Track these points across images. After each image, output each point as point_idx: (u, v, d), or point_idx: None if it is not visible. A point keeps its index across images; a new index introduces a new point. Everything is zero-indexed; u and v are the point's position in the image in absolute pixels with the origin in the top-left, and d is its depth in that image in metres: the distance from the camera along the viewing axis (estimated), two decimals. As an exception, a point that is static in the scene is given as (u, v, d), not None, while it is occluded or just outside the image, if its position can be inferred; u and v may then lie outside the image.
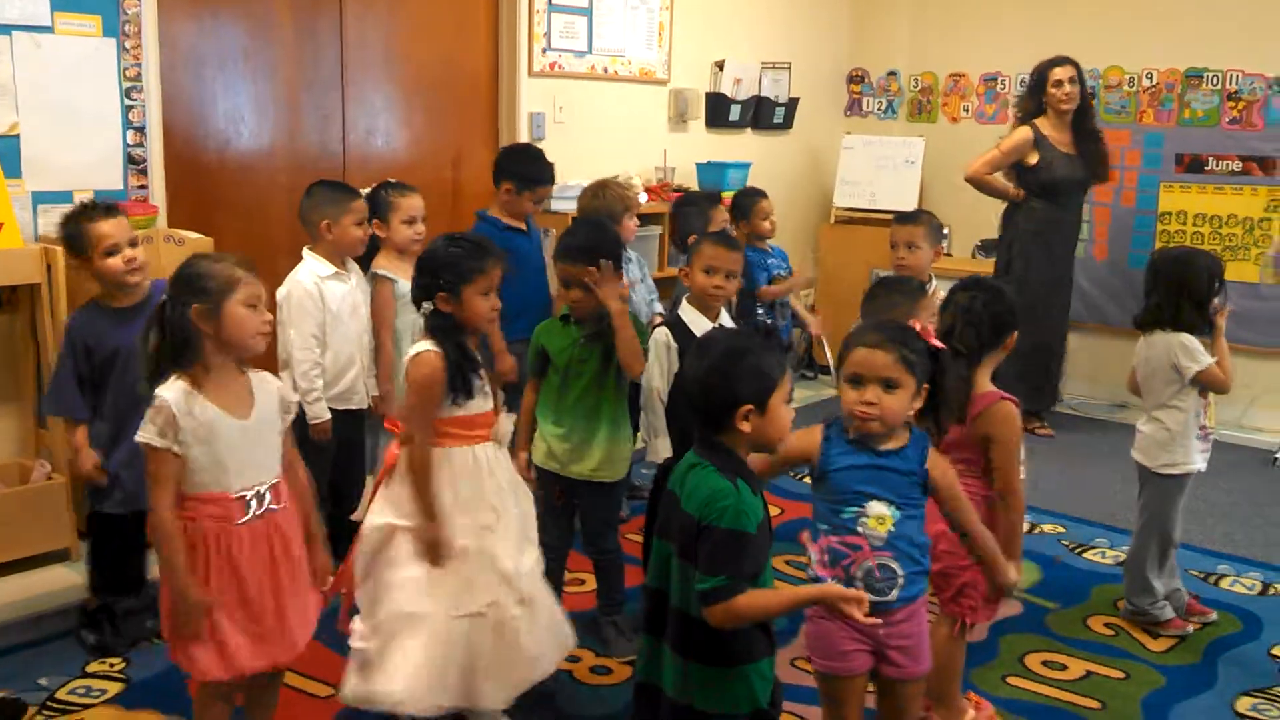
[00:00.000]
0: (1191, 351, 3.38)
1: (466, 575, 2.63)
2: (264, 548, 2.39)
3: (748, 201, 4.60)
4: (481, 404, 2.71)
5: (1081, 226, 5.76)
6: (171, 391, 2.31)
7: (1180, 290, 3.41)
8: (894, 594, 2.31)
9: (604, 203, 4.29)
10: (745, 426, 2.08)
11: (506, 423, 2.78)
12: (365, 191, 3.77)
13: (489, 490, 2.69)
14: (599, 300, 3.08)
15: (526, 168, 4.18)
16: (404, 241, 3.73)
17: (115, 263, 3.08)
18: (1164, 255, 3.57)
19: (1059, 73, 5.44)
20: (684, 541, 2.10)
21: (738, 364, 2.09)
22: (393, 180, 3.87)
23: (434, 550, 2.61)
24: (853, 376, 2.27)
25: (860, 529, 2.28)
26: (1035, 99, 5.55)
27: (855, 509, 2.28)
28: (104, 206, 3.16)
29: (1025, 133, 5.55)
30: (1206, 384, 3.40)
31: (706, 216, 4.05)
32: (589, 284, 3.05)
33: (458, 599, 2.61)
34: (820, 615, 2.36)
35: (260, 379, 2.47)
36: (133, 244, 3.13)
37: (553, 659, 2.83)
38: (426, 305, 2.65)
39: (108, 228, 3.08)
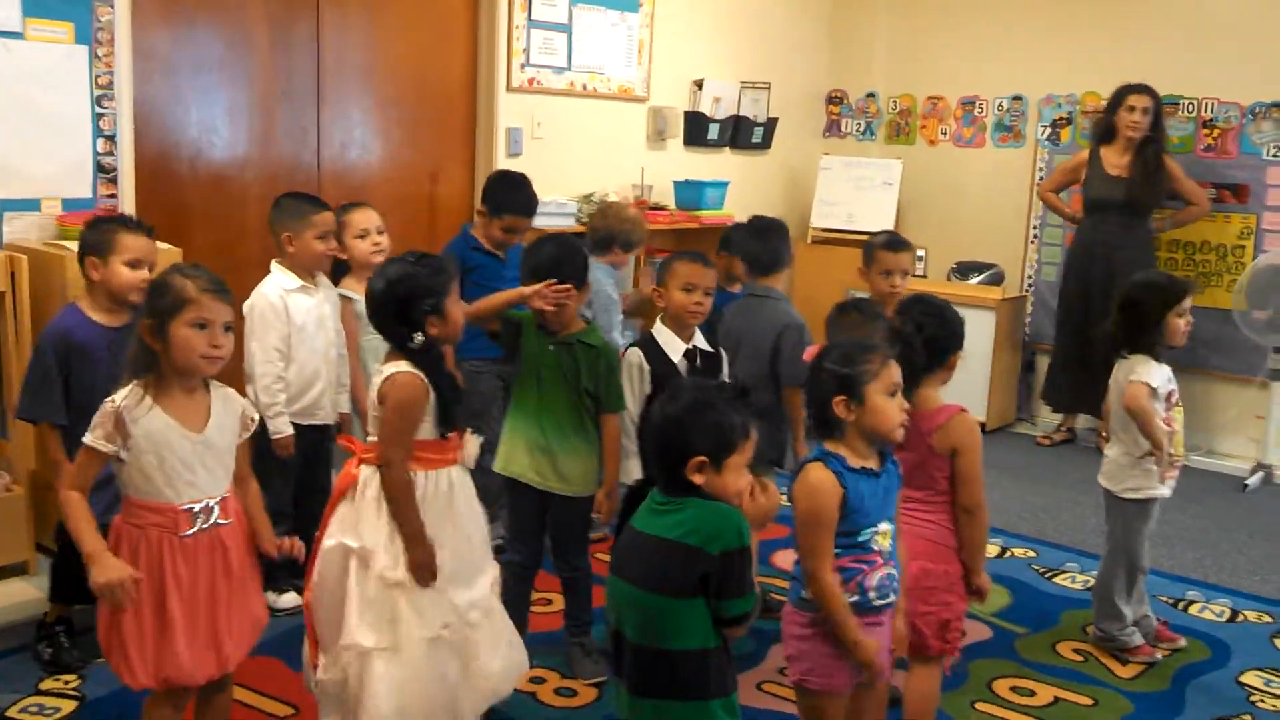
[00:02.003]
0: (1139, 374, 3.37)
1: (418, 599, 2.55)
2: (207, 561, 2.36)
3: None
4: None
5: (1135, 246, 5.56)
6: (124, 398, 2.29)
7: (1131, 313, 3.43)
8: (893, 597, 2.42)
9: (634, 228, 4.25)
10: (698, 479, 2.06)
11: (473, 445, 2.71)
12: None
13: (449, 516, 2.63)
14: (567, 318, 3.06)
15: (500, 193, 4.09)
16: (363, 257, 3.71)
17: (134, 275, 3.01)
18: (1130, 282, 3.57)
19: (1133, 100, 5.54)
20: (682, 578, 2.03)
21: (700, 416, 2.08)
22: (347, 203, 3.87)
23: (423, 572, 2.54)
24: (895, 389, 2.37)
25: (874, 546, 2.37)
26: (1107, 120, 5.66)
27: (871, 529, 2.37)
28: (139, 224, 3.13)
29: (1081, 154, 5.83)
30: (1127, 405, 3.37)
31: (790, 247, 3.89)
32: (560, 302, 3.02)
33: (415, 623, 2.54)
34: (815, 633, 2.37)
35: (224, 395, 2.44)
36: (151, 268, 3.07)
37: (510, 681, 2.78)
38: (419, 337, 2.55)
39: (139, 243, 3.05)
